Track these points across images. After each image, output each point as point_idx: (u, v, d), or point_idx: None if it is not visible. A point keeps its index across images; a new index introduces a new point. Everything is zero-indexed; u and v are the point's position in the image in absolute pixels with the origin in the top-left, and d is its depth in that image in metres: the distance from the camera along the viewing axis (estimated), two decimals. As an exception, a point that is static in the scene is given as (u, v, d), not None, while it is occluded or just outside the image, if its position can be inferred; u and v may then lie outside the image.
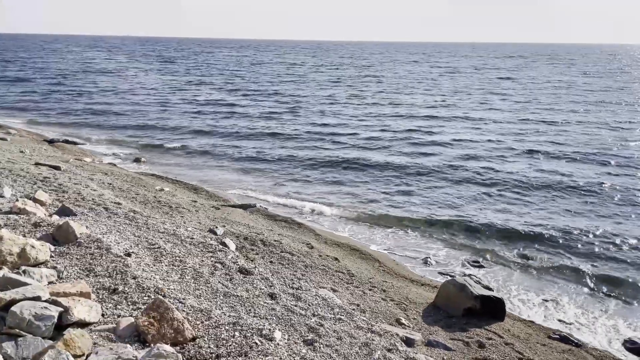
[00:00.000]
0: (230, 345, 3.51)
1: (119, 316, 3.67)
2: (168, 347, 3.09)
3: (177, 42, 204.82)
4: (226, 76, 48.00)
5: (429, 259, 9.33)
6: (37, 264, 4.20)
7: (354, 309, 5.73)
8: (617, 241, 10.27)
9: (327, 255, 8.27)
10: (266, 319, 4.25)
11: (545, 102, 31.80)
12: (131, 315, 3.69)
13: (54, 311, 3.22)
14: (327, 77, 50.32)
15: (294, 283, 5.74)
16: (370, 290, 7.09)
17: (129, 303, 3.90)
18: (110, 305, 3.83)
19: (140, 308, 3.80)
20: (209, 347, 3.45)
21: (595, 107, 29.78)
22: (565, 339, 6.58)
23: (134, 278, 4.28)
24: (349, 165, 16.36)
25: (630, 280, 8.73)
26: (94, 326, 3.47)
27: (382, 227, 11.05)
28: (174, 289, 4.34)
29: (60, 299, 3.39)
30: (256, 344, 3.58)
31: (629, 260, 9.44)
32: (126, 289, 4.09)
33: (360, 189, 13.93)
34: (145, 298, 3.99)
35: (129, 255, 4.90)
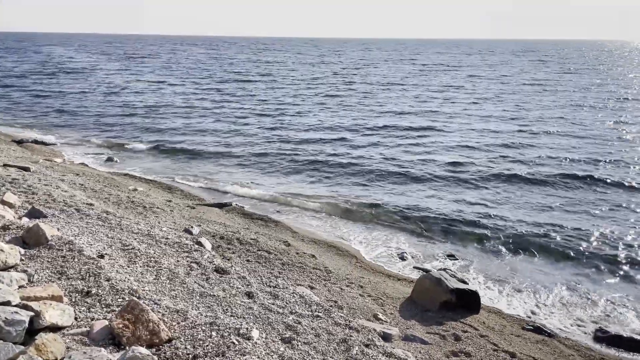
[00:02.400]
0: (207, 345, 3.48)
1: (92, 319, 3.61)
2: (143, 350, 3.04)
3: (145, 40, 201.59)
4: (197, 74, 47.40)
5: (405, 254, 9.41)
6: (6, 268, 4.09)
7: (331, 306, 5.75)
8: (588, 234, 10.52)
9: (304, 253, 8.27)
10: (243, 318, 4.23)
11: (519, 100, 32.36)
12: (105, 318, 3.63)
13: (25, 316, 3.14)
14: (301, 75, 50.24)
15: (271, 281, 5.73)
16: (347, 286, 7.12)
17: (103, 305, 3.83)
18: (83, 308, 3.75)
19: (115, 310, 3.74)
20: (186, 348, 3.42)
21: (568, 108, 30.40)
22: (538, 330, 6.73)
23: (108, 280, 4.21)
24: (324, 162, 16.37)
25: (600, 271, 8.96)
26: (67, 330, 3.40)
27: (359, 223, 11.10)
28: (149, 290, 4.28)
29: (31, 303, 3.31)
30: (233, 343, 3.56)
31: (599, 252, 9.68)
32: (100, 291, 4.02)
33: (335, 185, 13.97)
34: (119, 300, 3.92)
35: (102, 256, 4.81)
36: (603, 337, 6.85)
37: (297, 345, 3.97)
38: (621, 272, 8.92)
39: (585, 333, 7.01)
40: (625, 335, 6.84)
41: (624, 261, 9.30)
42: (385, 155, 17.32)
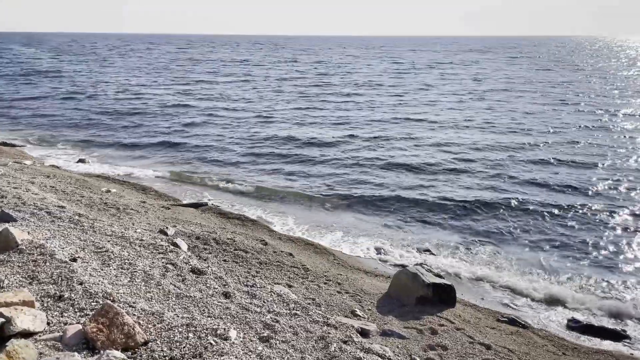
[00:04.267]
0: (184, 347, 3.45)
1: (65, 324, 3.54)
2: (118, 353, 3.00)
3: (124, 39, 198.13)
4: (167, 72, 46.75)
5: (382, 250, 9.48)
6: (-26, 274, 3.99)
7: (309, 304, 5.75)
8: (561, 227, 10.76)
9: (281, 251, 8.26)
10: (221, 318, 4.20)
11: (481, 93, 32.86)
12: (79, 322, 3.56)
13: (-5, 322, 3.07)
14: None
15: (248, 281, 5.70)
16: (325, 283, 7.14)
17: (76, 310, 3.76)
18: (56, 313, 3.68)
19: (88, 314, 3.67)
20: (162, 350, 3.38)
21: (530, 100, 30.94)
22: (513, 321, 6.86)
23: (81, 284, 4.13)
24: (299, 159, 16.38)
25: (573, 262, 9.19)
26: (39, 335, 3.33)
27: (336, 220, 11.14)
28: (124, 293, 4.22)
29: (1, 309, 3.23)
30: (211, 344, 3.53)
31: (572, 244, 9.92)
32: (72, 295, 3.94)
33: (310, 182, 13.97)
34: (93, 304, 3.86)
35: (74, 260, 4.72)
36: (575, 326, 7.04)
37: (275, 344, 3.97)
38: (593, 265, 9.14)
39: (558, 323, 7.18)
40: (596, 325, 7.03)
41: (595, 254, 9.54)
42: (360, 153, 17.40)
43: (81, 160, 15.65)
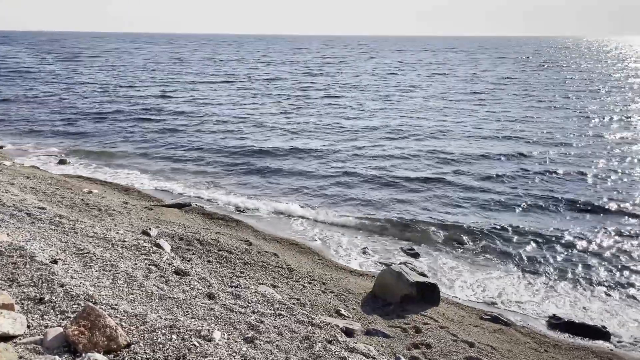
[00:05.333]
0: (167, 349, 3.42)
1: (46, 327, 3.49)
2: (100, 356, 2.97)
3: (108, 38, 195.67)
4: (148, 75, 46.22)
5: (366, 250, 9.51)
6: (-49, 277, 3.91)
7: (294, 304, 5.75)
8: (541, 226, 10.90)
9: (266, 252, 8.24)
10: (204, 319, 4.18)
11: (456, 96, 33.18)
12: (60, 325, 3.51)
13: (-27, 326, 3.01)
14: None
15: (232, 281, 5.68)
16: (310, 283, 7.14)
17: (57, 312, 3.71)
18: (36, 316, 3.62)
19: (70, 317, 3.62)
20: (145, 352, 3.35)
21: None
22: (495, 319, 6.93)
23: (62, 286, 4.07)
24: (280, 160, 16.35)
25: (553, 260, 9.31)
26: (20, 339, 3.27)
27: (321, 220, 11.14)
28: (106, 295, 4.17)
29: (-21, 313, 3.18)
30: (195, 345, 3.51)
31: (552, 243, 10.05)
32: (53, 297, 3.89)
33: (296, 183, 13.97)
34: (74, 306, 3.80)
35: (55, 262, 4.65)
36: (556, 324, 7.14)
37: (260, 345, 3.96)
38: (574, 265, 9.27)
39: (540, 321, 7.28)
40: (577, 322, 7.14)
41: (576, 254, 9.67)
42: (344, 156, 17.43)
43: (62, 161, 15.43)
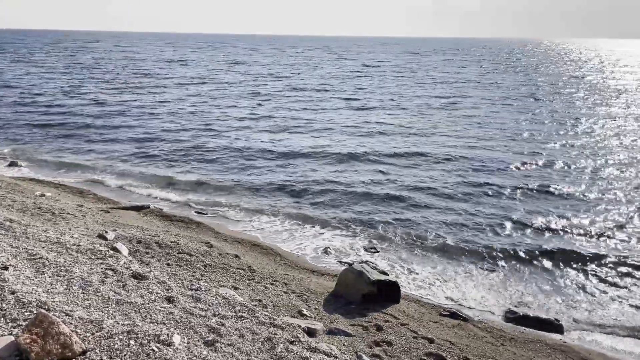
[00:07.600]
0: (125, 355, 3.35)
1: (-4, 336, 3.36)
2: (54, 364, 2.88)
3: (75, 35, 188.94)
4: (107, 76, 45.06)
5: (328, 249, 9.55)
6: None
7: (255, 305, 5.72)
8: (499, 221, 11.19)
9: (227, 253, 8.16)
10: (164, 323, 4.10)
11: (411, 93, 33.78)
12: (11, 334, 3.39)
13: None
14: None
15: (192, 284, 5.60)
16: (272, 284, 7.11)
17: (8, 320, 3.58)
18: (-15, 325, 3.48)
19: (22, 325, 3.50)
20: (102, 359, 3.27)
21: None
22: (454, 315, 7.09)
23: (13, 293, 3.93)
24: (245, 162, 16.23)
25: (509, 255, 9.58)
26: (-33, 350, 3.14)
27: (282, 221, 11.11)
28: (60, 301, 4.04)
29: None
30: (153, 350, 3.44)
31: (509, 238, 10.34)
32: (4, 305, 3.74)
33: (257, 185, 13.88)
34: (26, 314, 3.67)
35: (5, 268, 4.48)
36: (512, 317, 7.36)
37: (221, 348, 3.92)
38: (531, 259, 9.54)
39: (497, 315, 7.49)
40: (531, 315, 7.38)
41: (534, 250, 9.94)
42: (308, 151, 17.44)
43: (13, 164, 14.84)
